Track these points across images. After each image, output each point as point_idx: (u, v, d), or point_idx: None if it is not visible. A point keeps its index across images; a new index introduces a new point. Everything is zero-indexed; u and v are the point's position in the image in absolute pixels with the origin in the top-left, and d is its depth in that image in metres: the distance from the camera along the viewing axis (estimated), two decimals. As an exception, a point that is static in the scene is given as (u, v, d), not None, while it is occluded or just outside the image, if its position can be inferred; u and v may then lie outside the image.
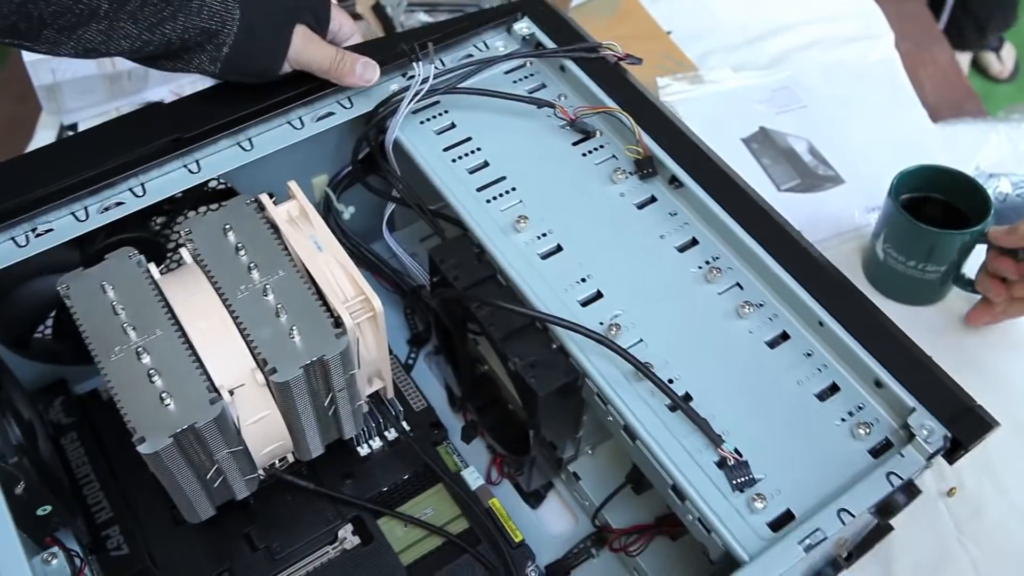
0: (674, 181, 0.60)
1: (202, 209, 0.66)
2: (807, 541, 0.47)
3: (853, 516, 0.48)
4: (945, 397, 0.51)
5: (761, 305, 0.56)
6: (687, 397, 0.53)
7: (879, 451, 0.51)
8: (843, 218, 0.84)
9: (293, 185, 0.58)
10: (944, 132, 0.94)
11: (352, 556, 0.61)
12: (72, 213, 0.59)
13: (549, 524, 0.65)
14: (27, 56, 0.86)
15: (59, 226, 0.58)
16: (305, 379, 0.52)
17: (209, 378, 0.51)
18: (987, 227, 0.70)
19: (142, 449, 0.49)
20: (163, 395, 0.50)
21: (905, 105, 0.96)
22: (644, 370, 0.52)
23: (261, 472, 0.58)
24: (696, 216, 0.60)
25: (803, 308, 0.55)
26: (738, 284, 0.57)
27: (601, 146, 0.64)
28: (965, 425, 0.50)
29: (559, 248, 0.59)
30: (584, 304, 0.56)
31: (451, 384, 0.69)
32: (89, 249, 0.61)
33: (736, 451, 0.51)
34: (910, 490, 0.50)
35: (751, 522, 0.49)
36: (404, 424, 0.66)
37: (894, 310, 0.73)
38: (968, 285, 0.75)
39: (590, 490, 0.63)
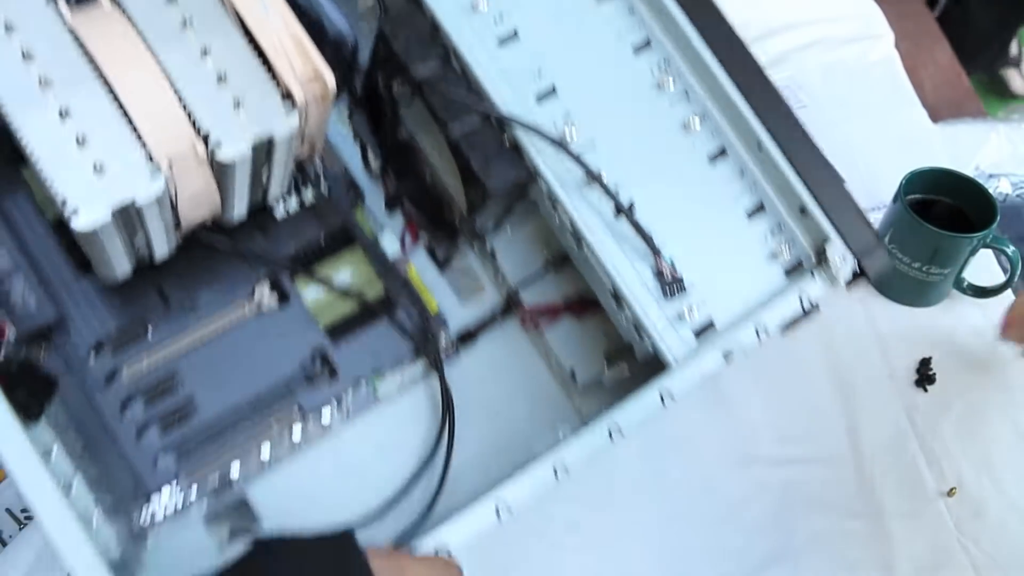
0: (636, -26, 0.58)
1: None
2: (727, 350, 0.53)
3: (768, 334, 0.54)
4: (858, 232, 0.56)
5: (706, 118, 0.58)
6: (631, 206, 0.55)
7: (790, 271, 0.57)
8: None
9: (229, -78, 0.51)
10: (944, 132, 0.93)
11: (270, 316, 0.61)
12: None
13: (459, 290, 0.67)
14: None
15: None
16: (251, 156, 0.50)
17: (146, 147, 0.47)
18: (992, 232, 0.71)
19: (77, 224, 0.45)
20: (96, 164, 0.46)
21: (905, 105, 0.96)
22: (596, 178, 0.54)
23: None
24: (653, 16, 0.58)
25: (745, 127, 0.57)
26: (686, 93, 0.58)
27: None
28: (871, 259, 0.56)
29: (515, 35, 0.56)
30: (539, 100, 0.55)
31: (368, 144, 0.67)
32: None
33: (672, 263, 0.54)
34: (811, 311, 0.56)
35: (679, 329, 0.54)
36: (323, 184, 0.64)
37: (895, 310, 0.78)
38: (969, 290, 0.77)
39: (505, 266, 0.65)
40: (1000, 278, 0.77)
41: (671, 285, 0.54)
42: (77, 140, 0.46)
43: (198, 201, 0.52)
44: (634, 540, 0.65)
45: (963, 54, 1.62)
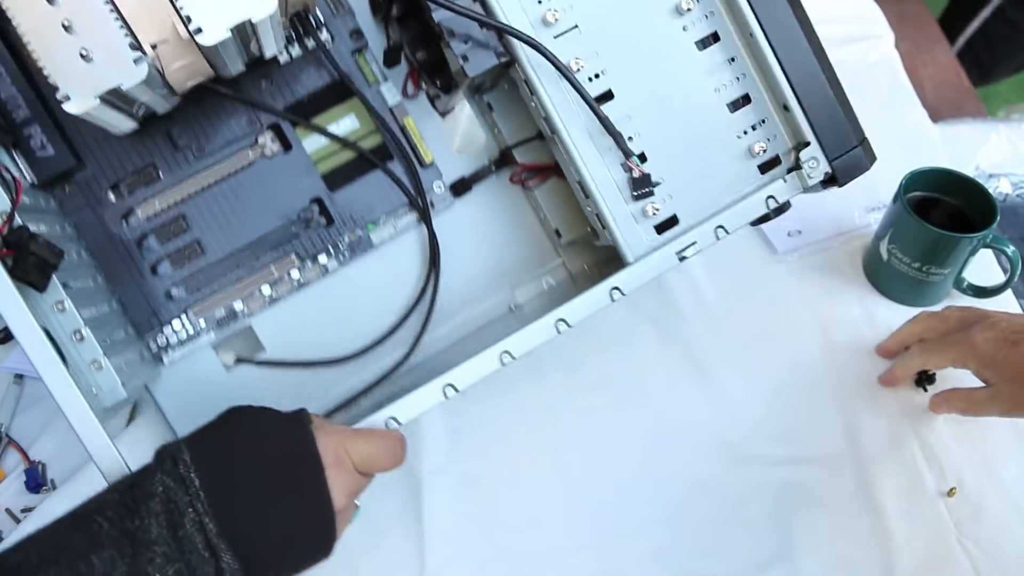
0: None
1: None
2: (683, 252, 0.55)
3: (727, 232, 0.56)
4: (839, 137, 0.56)
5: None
6: (609, 94, 0.55)
7: (766, 167, 0.57)
8: (843, 218, 0.83)
9: None
10: (944, 132, 0.92)
11: (272, 161, 0.65)
12: None
13: (457, 141, 0.69)
14: None
15: None
16: (234, 37, 0.51)
17: (131, 32, 0.49)
18: (992, 232, 0.70)
19: (67, 108, 0.49)
20: (83, 51, 0.48)
21: (905, 105, 0.94)
22: (568, 75, 0.54)
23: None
24: None
25: (740, 14, 0.55)
26: (683, -30, 0.56)
27: None
28: (845, 166, 0.56)
29: (505, -93, 0.54)
30: (523, -21, 0.54)
31: (372, -14, 0.66)
32: None
33: (643, 156, 0.55)
34: (781, 209, 0.57)
35: (641, 226, 0.56)
36: (325, 31, 0.65)
37: (895, 310, 0.76)
38: (969, 290, 0.76)
39: (500, 123, 0.67)
40: (1000, 278, 0.76)
41: (640, 182, 0.55)
42: (64, 27, 0.48)
43: (188, 72, 0.55)
44: (634, 539, 0.66)
45: (1005, 63, 1.43)
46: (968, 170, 0.85)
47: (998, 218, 0.71)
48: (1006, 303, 0.77)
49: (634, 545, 0.66)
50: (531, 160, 0.67)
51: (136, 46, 0.49)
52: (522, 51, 0.54)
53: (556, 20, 0.54)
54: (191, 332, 0.65)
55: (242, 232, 0.65)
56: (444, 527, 0.67)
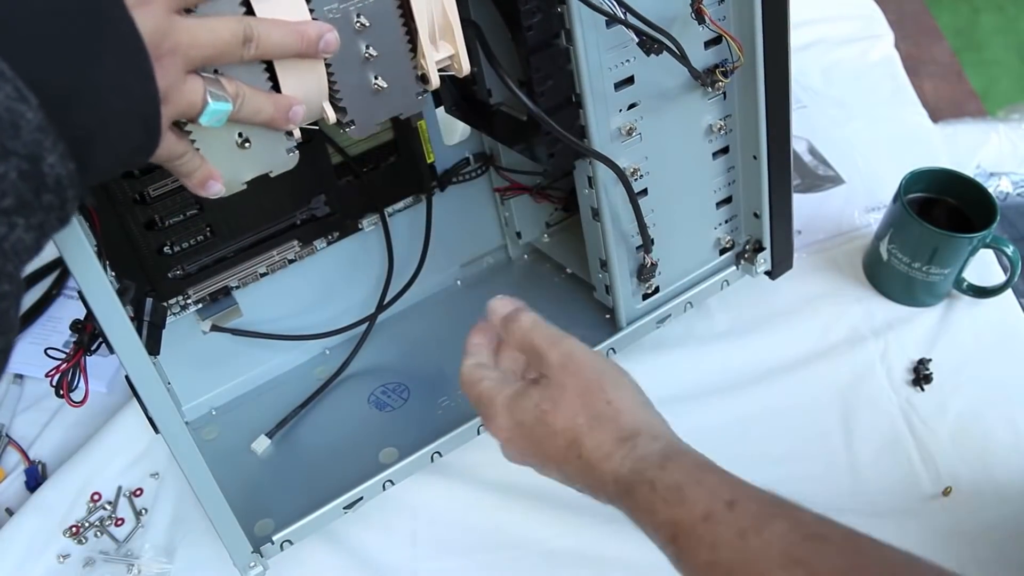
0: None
1: None
2: (661, 322, 0.69)
3: (692, 307, 0.70)
4: (783, 245, 0.71)
5: (729, 116, 0.65)
6: (645, 191, 0.64)
7: (724, 251, 0.71)
8: (843, 218, 0.85)
9: None
10: (944, 132, 0.92)
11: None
12: None
13: (447, 131, 0.71)
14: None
15: None
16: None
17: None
18: (992, 232, 0.71)
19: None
20: (241, 138, 0.47)
21: (905, 105, 0.96)
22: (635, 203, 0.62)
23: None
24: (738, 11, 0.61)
25: (752, 136, 0.65)
26: (723, 94, 0.64)
27: None
28: (780, 265, 0.72)
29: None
30: (616, 87, 0.59)
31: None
32: None
33: (651, 241, 0.66)
34: (722, 286, 0.73)
35: (636, 298, 0.68)
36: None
37: (895, 310, 0.77)
38: (969, 290, 0.76)
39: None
40: (1000, 278, 0.76)
41: (648, 269, 0.66)
42: (227, 111, 0.46)
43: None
44: (629, 536, 0.60)
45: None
46: (969, 169, 0.86)
47: (998, 218, 0.71)
48: (1006, 303, 0.77)
49: (629, 542, 0.62)
50: (509, 163, 0.74)
51: (290, 135, 0.49)
52: (601, 150, 0.60)
53: (629, 131, 0.61)
54: (183, 304, 0.65)
55: (253, 219, 0.64)
56: (438, 521, 0.67)
